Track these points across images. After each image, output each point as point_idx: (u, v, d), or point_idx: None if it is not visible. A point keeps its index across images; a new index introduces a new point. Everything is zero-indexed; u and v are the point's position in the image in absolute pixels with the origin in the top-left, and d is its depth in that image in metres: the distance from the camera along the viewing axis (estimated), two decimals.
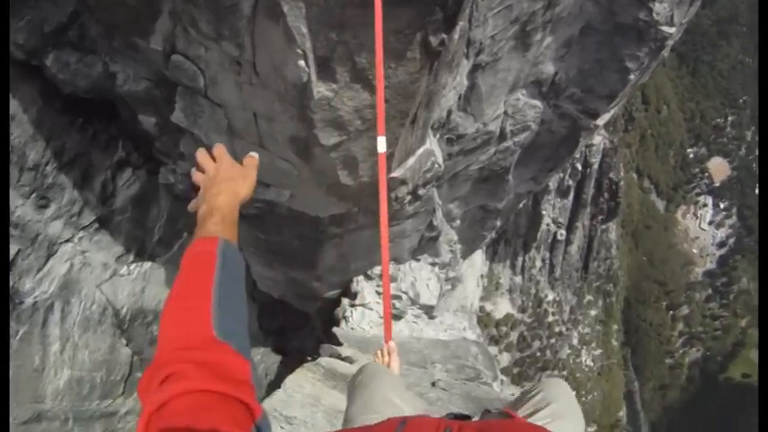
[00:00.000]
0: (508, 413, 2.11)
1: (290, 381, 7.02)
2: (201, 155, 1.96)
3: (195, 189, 1.93)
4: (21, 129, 7.73)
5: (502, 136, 10.30)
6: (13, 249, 8.12)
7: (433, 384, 8.46)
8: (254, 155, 2.03)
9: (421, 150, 8.16)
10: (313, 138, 6.55)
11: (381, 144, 3.97)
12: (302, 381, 7.04)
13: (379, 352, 3.33)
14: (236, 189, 1.88)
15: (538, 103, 9.92)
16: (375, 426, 1.72)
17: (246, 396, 1.21)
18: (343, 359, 8.53)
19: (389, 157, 7.22)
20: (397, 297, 12.22)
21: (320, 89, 5.77)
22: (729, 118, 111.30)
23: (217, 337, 1.34)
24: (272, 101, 6.40)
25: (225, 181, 1.88)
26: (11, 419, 8.15)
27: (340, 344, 9.93)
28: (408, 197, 9.03)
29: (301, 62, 5.45)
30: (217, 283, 1.48)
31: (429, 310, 13.06)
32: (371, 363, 3.11)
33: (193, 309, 1.42)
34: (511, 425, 1.84)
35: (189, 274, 1.53)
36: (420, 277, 12.92)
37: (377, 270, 12.10)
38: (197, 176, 1.96)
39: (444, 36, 5.66)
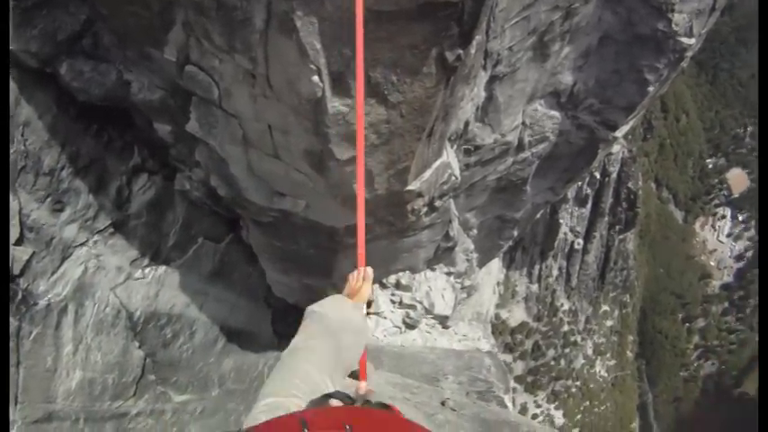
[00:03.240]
0: (389, 406, 2.09)
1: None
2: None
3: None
4: (36, 135, 7.74)
5: (520, 147, 10.24)
6: (27, 252, 8.15)
7: (443, 404, 8.41)
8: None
9: (438, 163, 8.11)
10: (328, 152, 6.51)
11: None
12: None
13: (351, 275, 3.23)
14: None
15: (556, 113, 9.85)
16: (279, 419, 1.69)
17: None
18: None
19: (405, 170, 7.19)
20: (412, 307, 12.19)
21: (335, 104, 5.73)
22: (749, 128, 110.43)
23: None
24: (287, 114, 6.37)
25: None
26: (20, 419, 8.20)
27: None
28: (425, 209, 8.98)
29: (315, 77, 5.41)
30: None
31: (443, 320, 13.02)
32: (338, 298, 3.09)
33: None
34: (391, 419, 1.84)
35: None
36: (435, 287, 12.88)
37: (392, 279, 12.08)
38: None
39: (461, 51, 5.61)
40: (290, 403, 2.15)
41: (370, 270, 3.25)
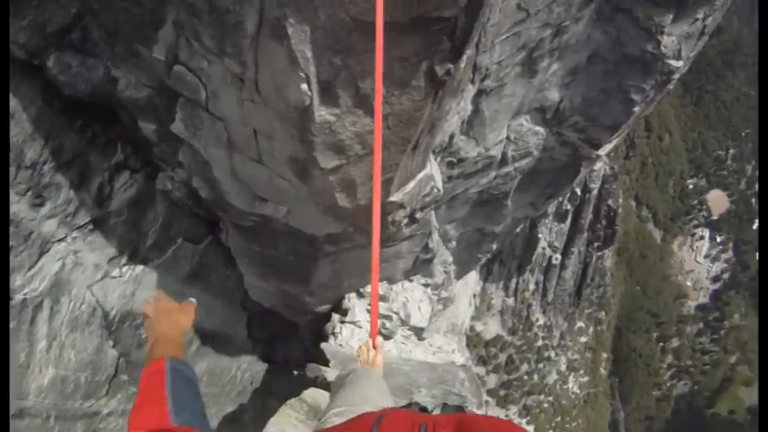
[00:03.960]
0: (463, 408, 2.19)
1: (272, 425, 6.99)
2: (145, 305, 2.49)
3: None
4: (20, 127, 7.68)
5: (503, 161, 10.25)
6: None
7: None
8: (193, 300, 2.65)
9: (421, 175, 8.12)
10: (312, 160, 6.50)
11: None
12: (285, 425, 6.98)
13: (363, 347, 3.43)
14: (175, 320, 2.48)
15: (541, 129, 9.87)
16: (353, 420, 1.80)
17: None
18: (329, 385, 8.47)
19: (388, 181, 7.18)
20: (388, 317, 12.16)
21: (322, 113, 5.72)
22: (731, 150, 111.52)
23: (174, 425, 1.76)
24: (273, 120, 6.36)
25: (164, 314, 2.46)
26: None
27: (327, 362, 9.86)
28: (405, 220, 8.99)
29: (304, 86, 5.40)
30: (169, 389, 1.92)
31: (419, 332, 13.00)
32: (361, 367, 3.38)
33: (153, 412, 1.82)
34: (485, 420, 1.89)
35: (146, 386, 1.98)
36: (412, 298, 12.86)
37: (369, 288, 12.06)
38: (145, 324, 2.46)
39: (451, 66, 5.62)
40: (359, 409, 2.40)
41: (380, 340, 3.50)
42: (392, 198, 7.75)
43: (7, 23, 6.71)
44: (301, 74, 5.30)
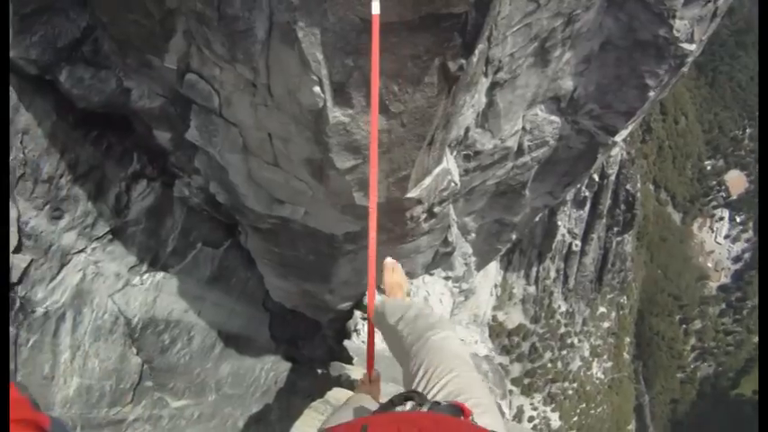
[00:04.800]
0: (460, 407, 2.10)
1: (297, 429, 6.96)
2: None
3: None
4: (35, 142, 7.70)
5: (519, 151, 10.21)
6: (25, 260, 8.15)
7: None
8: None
9: (438, 170, 8.08)
10: (328, 161, 6.49)
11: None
12: (309, 427, 6.96)
13: (363, 379, 3.65)
14: None
15: (556, 118, 9.82)
16: (342, 425, 1.75)
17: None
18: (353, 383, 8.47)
19: (405, 178, 7.16)
20: None
21: (336, 114, 5.70)
22: (747, 130, 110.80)
23: None
24: (288, 123, 6.35)
25: None
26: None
27: (350, 359, 9.86)
28: (424, 215, 8.96)
29: (316, 88, 5.39)
30: None
31: None
32: (357, 395, 3.45)
33: None
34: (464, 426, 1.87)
35: None
36: (433, 292, 12.85)
37: None
38: None
39: (463, 61, 5.58)
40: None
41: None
42: (409, 194, 7.71)
43: (7, 25, 6.70)
44: (313, 77, 5.29)
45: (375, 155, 4.17)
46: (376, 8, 4.31)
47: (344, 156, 6.43)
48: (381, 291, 4.38)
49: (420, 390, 2.57)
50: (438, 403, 2.18)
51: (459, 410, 2.04)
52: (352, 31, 4.89)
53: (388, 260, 3.63)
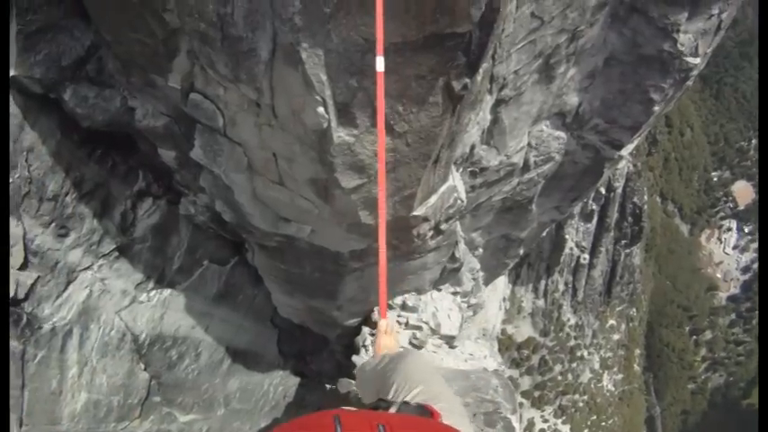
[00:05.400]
0: (428, 409, 2.11)
1: None
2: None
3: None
4: (40, 161, 7.73)
5: (525, 167, 10.19)
6: (32, 276, 8.22)
7: None
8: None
9: (444, 188, 8.07)
10: (333, 180, 6.48)
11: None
12: None
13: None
14: None
15: (561, 134, 9.79)
16: (310, 416, 1.74)
17: None
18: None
19: (410, 197, 7.14)
20: (418, 327, 12.12)
21: (340, 134, 5.69)
22: (753, 141, 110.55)
23: None
24: (292, 143, 6.34)
25: None
26: None
27: None
28: (431, 233, 8.94)
29: (321, 109, 5.38)
30: None
31: (450, 340, 12.94)
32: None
33: None
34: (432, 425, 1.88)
35: None
36: (441, 307, 12.81)
37: (398, 300, 12.04)
38: None
39: (467, 80, 5.57)
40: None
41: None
42: (416, 212, 7.70)
43: (7, 29, 6.71)
44: (317, 97, 5.28)
45: (383, 168, 4.17)
46: (380, 66, 4.28)
47: (349, 175, 6.41)
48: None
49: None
50: (407, 404, 2.20)
51: (427, 412, 2.06)
52: (356, 51, 4.88)
53: (383, 322, 3.61)
